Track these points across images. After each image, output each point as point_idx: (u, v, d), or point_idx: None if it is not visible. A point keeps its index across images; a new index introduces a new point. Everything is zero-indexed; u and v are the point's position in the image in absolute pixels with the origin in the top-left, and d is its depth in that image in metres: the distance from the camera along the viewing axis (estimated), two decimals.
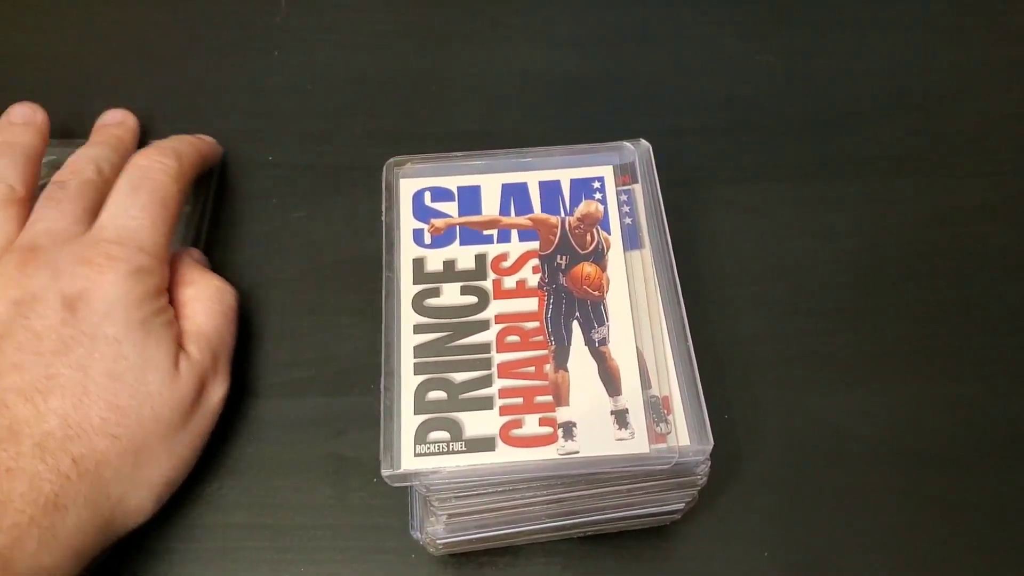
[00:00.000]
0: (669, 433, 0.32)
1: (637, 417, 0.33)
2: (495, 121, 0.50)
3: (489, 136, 0.49)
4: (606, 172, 0.39)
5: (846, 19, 0.53)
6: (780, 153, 0.49)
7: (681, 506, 0.36)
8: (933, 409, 0.41)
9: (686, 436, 0.32)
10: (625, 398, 0.33)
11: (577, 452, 0.32)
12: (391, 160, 0.39)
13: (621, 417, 0.33)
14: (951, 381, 0.42)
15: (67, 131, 0.48)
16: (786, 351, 0.43)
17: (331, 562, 0.38)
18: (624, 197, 0.38)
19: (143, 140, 0.47)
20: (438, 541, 0.35)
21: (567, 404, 0.33)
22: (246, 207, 0.47)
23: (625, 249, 0.37)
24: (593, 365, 0.34)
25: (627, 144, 0.39)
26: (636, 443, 0.32)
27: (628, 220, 0.37)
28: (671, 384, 0.33)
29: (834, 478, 0.40)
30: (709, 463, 0.33)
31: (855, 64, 0.52)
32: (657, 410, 0.33)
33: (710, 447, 0.32)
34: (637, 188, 0.38)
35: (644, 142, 0.39)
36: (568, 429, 0.33)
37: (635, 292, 0.36)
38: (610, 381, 0.34)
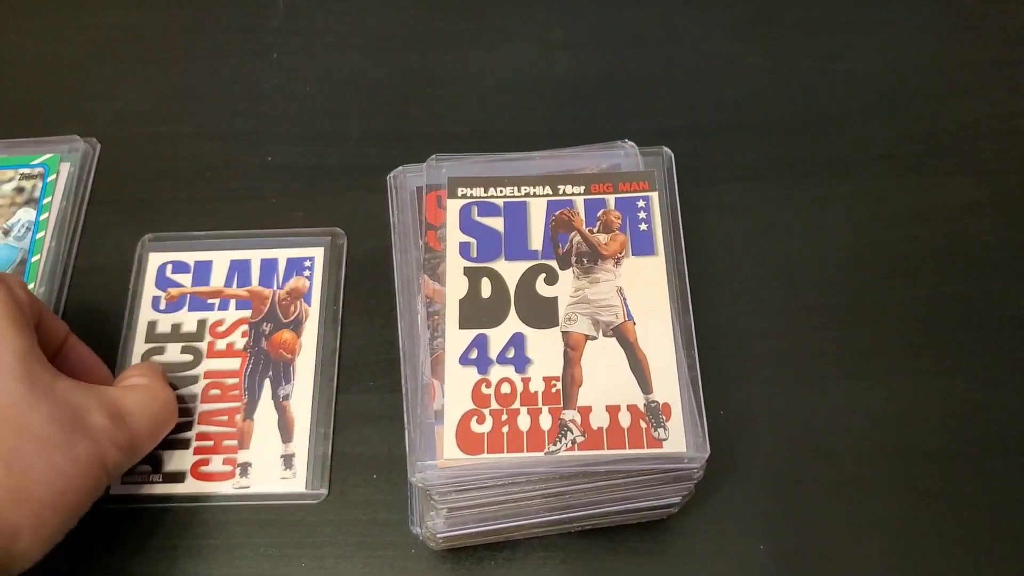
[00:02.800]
0: (666, 439, 0.33)
1: (301, 461, 0.40)
2: (490, 122, 0.50)
3: (484, 137, 0.49)
4: (317, 253, 0.44)
5: (835, 21, 0.54)
6: (770, 153, 0.49)
7: (677, 500, 0.36)
8: (924, 403, 0.42)
9: (683, 442, 0.33)
10: (295, 445, 0.40)
11: (248, 487, 0.39)
12: (144, 237, 0.45)
13: (288, 460, 0.40)
14: (941, 376, 0.43)
15: (69, 132, 0.48)
16: (778, 347, 0.43)
17: (332, 557, 0.38)
18: (642, 203, 0.38)
19: (140, 150, 0.49)
20: (438, 535, 0.36)
21: (247, 447, 0.40)
22: (246, 207, 0.47)
23: (636, 255, 0.37)
24: (275, 416, 0.41)
25: (634, 146, 0.40)
26: (296, 482, 0.39)
27: (644, 226, 0.38)
28: (672, 391, 0.34)
29: (827, 472, 0.40)
30: (707, 455, 0.34)
31: (844, 65, 0.52)
32: (656, 415, 0.34)
33: (706, 455, 0.33)
34: (655, 196, 0.39)
35: (667, 150, 0.39)
36: (244, 468, 0.40)
37: (645, 298, 0.36)
38: (285, 430, 0.40)
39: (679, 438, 0.33)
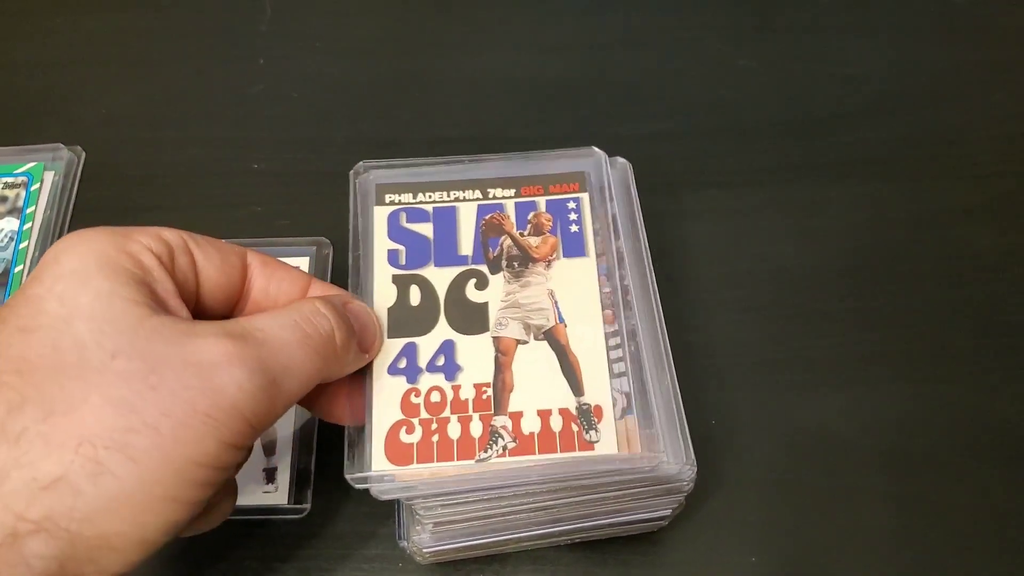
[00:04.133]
0: (597, 442, 0.33)
1: (283, 475, 0.39)
2: (479, 126, 0.50)
3: (473, 141, 0.49)
4: (302, 263, 0.43)
5: (827, 24, 0.54)
6: (763, 157, 0.49)
7: (668, 512, 0.36)
8: (918, 410, 0.41)
9: (614, 444, 0.32)
10: (277, 458, 0.39)
11: None
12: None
13: (270, 474, 0.39)
14: (936, 382, 0.42)
15: (52, 138, 0.48)
16: (771, 354, 0.43)
17: (319, 570, 0.38)
18: (572, 205, 0.38)
19: (125, 157, 0.47)
20: (424, 550, 0.35)
21: None
22: (231, 215, 0.47)
23: (567, 256, 0.37)
24: None
25: (596, 151, 0.39)
26: (278, 496, 0.38)
27: (575, 228, 0.37)
28: (604, 392, 0.33)
29: (820, 481, 0.40)
30: (695, 469, 0.33)
31: (836, 68, 0.52)
32: (588, 418, 0.33)
33: (688, 466, 0.32)
34: (585, 197, 0.38)
35: (623, 160, 0.39)
36: None
37: (576, 299, 0.36)
38: (268, 443, 0.40)
39: (611, 440, 0.32)
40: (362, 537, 0.39)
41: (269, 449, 0.40)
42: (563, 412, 0.33)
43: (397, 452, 0.32)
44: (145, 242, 0.29)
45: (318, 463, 0.40)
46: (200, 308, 0.31)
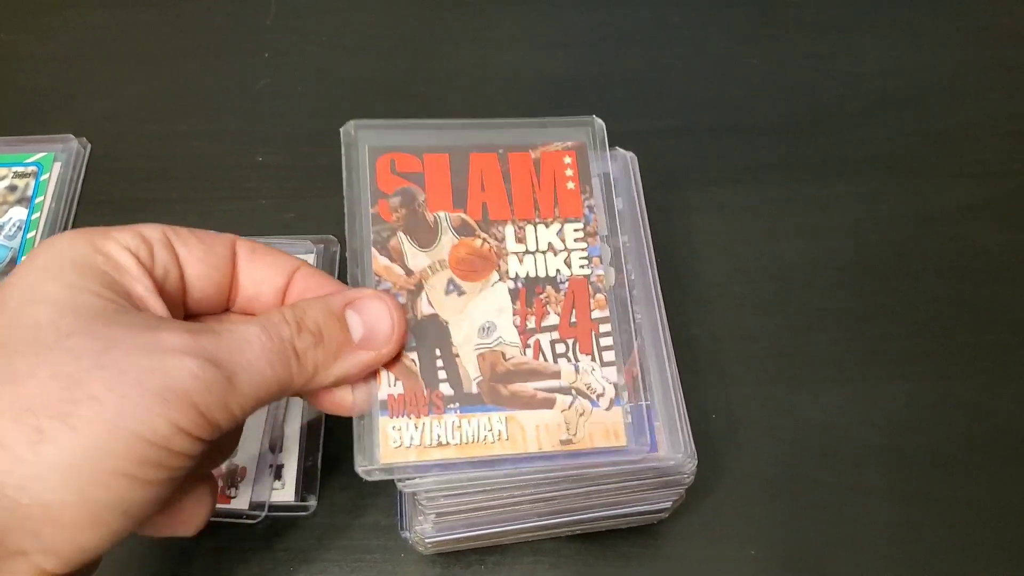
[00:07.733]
0: (235, 497, 0.39)
1: (290, 472, 0.39)
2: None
3: None
4: (308, 260, 0.42)
5: (833, 22, 0.54)
6: (767, 154, 0.49)
7: (668, 505, 0.36)
8: (919, 407, 0.42)
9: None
10: (284, 455, 0.40)
11: (236, 496, 0.39)
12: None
13: (277, 471, 0.40)
14: (939, 379, 0.42)
15: (58, 131, 0.48)
16: (774, 350, 0.43)
17: (321, 561, 0.38)
18: None
19: (131, 149, 0.48)
20: (427, 540, 0.35)
21: (236, 456, 0.40)
22: (237, 208, 0.47)
23: None
24: (265, 426, 0.40)
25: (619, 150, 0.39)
26: (285, 493, 0.39)
27: None
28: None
29: (822, 476, 0.40)
30: (696, 462, 0.33)
31: (842, 66, 0.52)
32: (233, 476, 0.39)
33: (686, 456, 0.32)
34: None
35: (630, 153, 0.39)
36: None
37: None
38: (275, 440, 0.40)
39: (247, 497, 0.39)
40: (365, 528, 0.39)
41: (277, 446, 0.40)
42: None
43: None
44: (123, 241, 0.29)
45: (323, 452, 0.40)
46: (191, 300, 0.31)
